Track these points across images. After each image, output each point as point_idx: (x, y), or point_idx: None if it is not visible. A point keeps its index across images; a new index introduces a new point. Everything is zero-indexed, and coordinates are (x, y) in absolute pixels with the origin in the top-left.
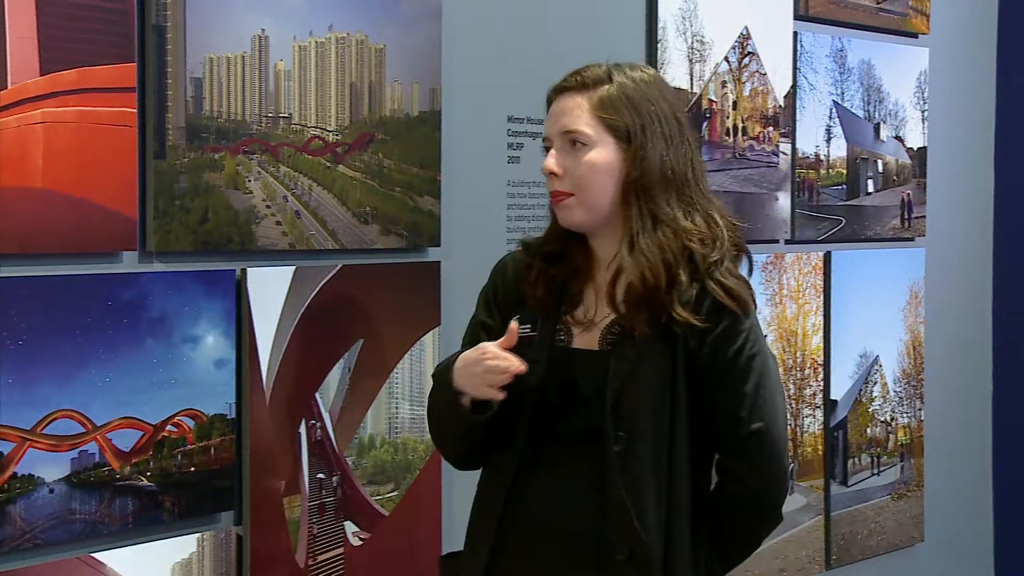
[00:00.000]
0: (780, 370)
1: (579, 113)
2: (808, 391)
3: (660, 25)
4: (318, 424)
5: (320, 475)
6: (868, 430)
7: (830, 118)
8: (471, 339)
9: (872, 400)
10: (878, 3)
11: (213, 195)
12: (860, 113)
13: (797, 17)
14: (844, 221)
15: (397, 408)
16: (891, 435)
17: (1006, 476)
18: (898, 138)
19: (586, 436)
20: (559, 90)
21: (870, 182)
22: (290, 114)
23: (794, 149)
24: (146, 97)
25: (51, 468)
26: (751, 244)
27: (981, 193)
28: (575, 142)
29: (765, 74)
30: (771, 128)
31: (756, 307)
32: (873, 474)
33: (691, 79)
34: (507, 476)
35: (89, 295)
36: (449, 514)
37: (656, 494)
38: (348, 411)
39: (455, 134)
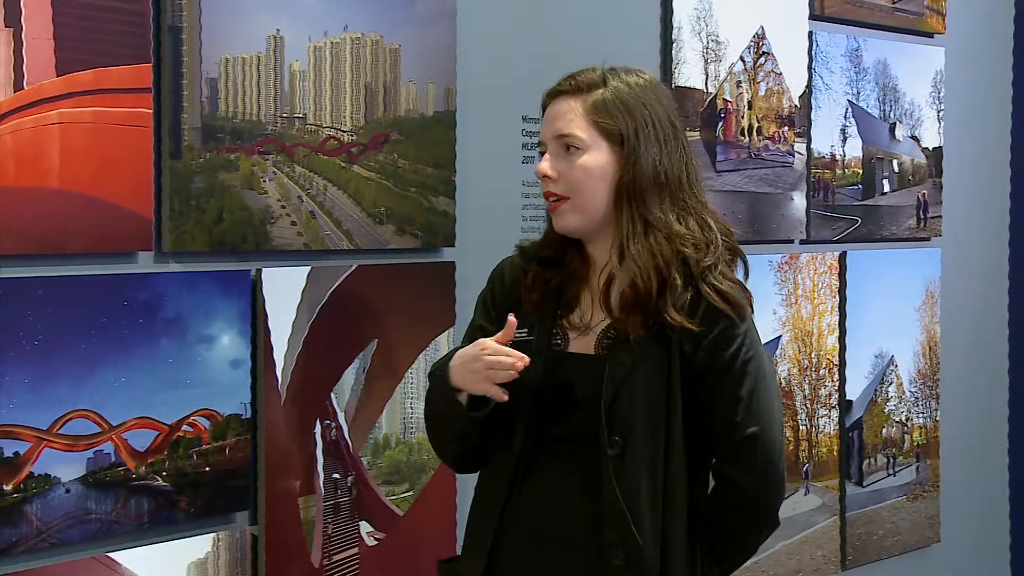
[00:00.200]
0: (795, 370)
1: (573, 117)
2: (823, 391)
3: (675, 25)
4: (333, 424)
5: (335, 475)
6: (884, 430)
7: (845, 118)
8: (469, 344)
9: (888, 400)
10: (894, 3)
11: (228, 195)
12: (876, 113)
13: (812, 17)
14: (859, 221)
15: (412, 408)
16: (907, 435)
17: (1022, 477)
18: (914, 138)
19: (582, 440)
20: (554, 93)
21: (886, 182)
22: (305, 114)
23: (809, 149)
24: (162, 97)
25: (67, 468)
26: (766, 244)
27: (997, 193)
28: (569, 146)
29: (780, 74)
30: (786, 128)
31: (752, 310)
32: (889, 474)
33: (706, 79)
34: (504, 480)
35: (105, 295)
36: (463, 514)
37: (652, 498)
38: (363, 411)
39: (470, 134)
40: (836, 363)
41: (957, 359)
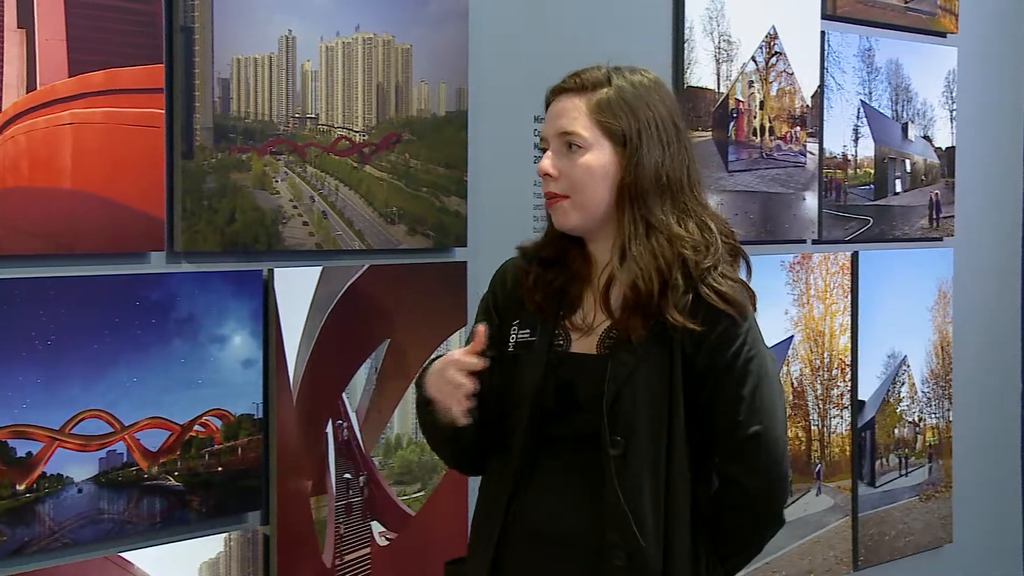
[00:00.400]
0: (807, 370)
1: (576, 115)
2: (836, 391)
3: (687, 25)
4: (345, 424)
5: (347, 475)
6: (896, 431)
7: (858, 118)
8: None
9: (900, 400)
10: (906, 2)
11: (240, 195)
12: (888, 113)
13: (824, 16)
14: (872, 221)
15: None
16: (919, 436)
17: None
18: (926, 138)
19: (584, 441)
20: (558, 90)
21: (898, 182)
22: (317, 114)
23: (821, 149)
24: (174, 98)
25: (79, 468)
26: (778, 244)
27: (1010, 193)
28: (571, 144)
29: (792, 74)
30: (798, 128)
31: (755, 309)
32: (901, 475)
33: (718, 79)
34: (507, 481)
35: (117, 295)
36: None
37: (654, 499)
38: (375, 411)
39: (482, 134)
40: (848, 363)
41: (970, 359)
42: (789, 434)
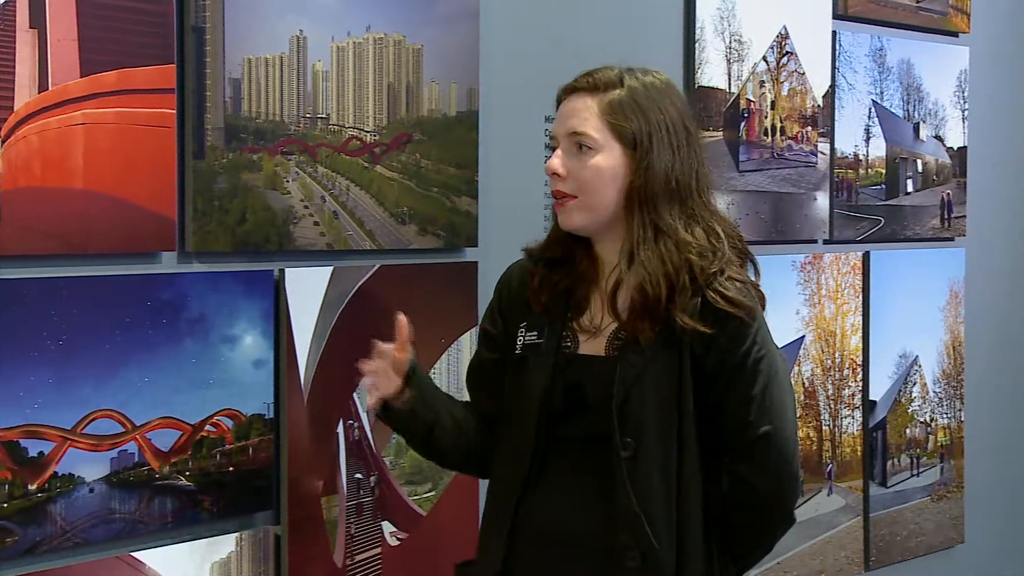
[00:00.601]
0: (819, 370)
1: (588, 116)
2: (847, 391)
3: (698, 25)
4: (356, 424)
5: (358, 475)
6: (907, 431)
7: (869, 117)
8: (479, 345)
9: (911, 401)
10: (918, 2)
11: (251, 195)
12: (899, 113)
13: (836, 16)
14: (883, 221)
15: None
16: (931, 436)
17: None
18: (938, 138)
19: (594, 442)
20: (569, 89)
21: (909, 182)
22: (328, 115)
23: (832, 149)
24: (185, 98)
25: (91, 467)
26: (789, 244)
27: (1022, 192)
28: (581, 145)
29: (803, 73)
30: (809, 128)
31: (764, 309)
32: (912, 475)
33: (729, 79)
34: (516, 484)
35: (128, 295)
36: None
37: (666, 499)
38: None
39: (492, 134)
40: (860, 363)
41: (981, 359)
42: (800, 434)
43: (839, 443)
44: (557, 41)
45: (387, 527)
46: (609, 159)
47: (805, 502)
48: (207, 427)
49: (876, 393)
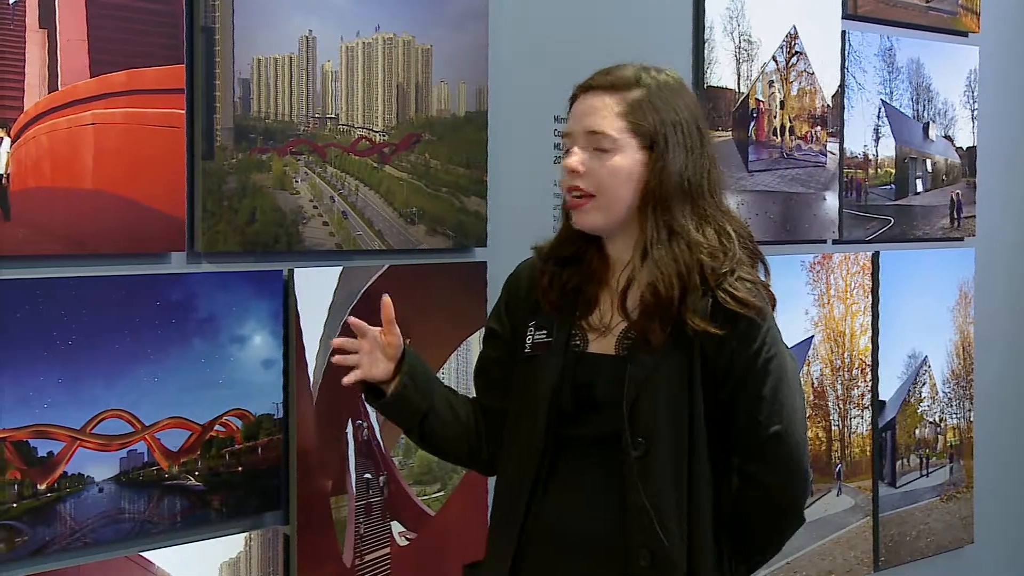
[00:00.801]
0: (828, 371)
1: (607, 114)
2: (856, 392)
3: (707, 25)
4: (365, 424)
5: (367, 475)
6: (917, 431)
7: (878, 117)
8: (484, 344)
9: (921, 401)
10: (927, 1)
11: (261, 196)
12: (909, 112)
13: (845, 16)
14: (892, 221)
15: None
16: (940, 436)
17: None
18: (947, 137)
19: (604, 442)
20: (586, 87)
21: (919, 182)
22: (337, 115)
23: (842, 149)
24: (194, 98)
25: (100, 467)
26: (798, 244)
27: None
28: (600, 143)
29: (813, 73)
30: (819, 128)
31: (775, 309)
32: (922, 475)
33: (738, 79)
34: (526, 483)
35: (138, 295)
36: None
37: (677, 498)
38: None
39: (502, 134)
40: (869, 363)
41: (991, 359)
42: (809, 434)
43: (848, 443)
44: (566, 41)
45: (396, 527)
46: (627, 159)
47: (814, 502)
48: (216, 427)
49: (885, 393)
